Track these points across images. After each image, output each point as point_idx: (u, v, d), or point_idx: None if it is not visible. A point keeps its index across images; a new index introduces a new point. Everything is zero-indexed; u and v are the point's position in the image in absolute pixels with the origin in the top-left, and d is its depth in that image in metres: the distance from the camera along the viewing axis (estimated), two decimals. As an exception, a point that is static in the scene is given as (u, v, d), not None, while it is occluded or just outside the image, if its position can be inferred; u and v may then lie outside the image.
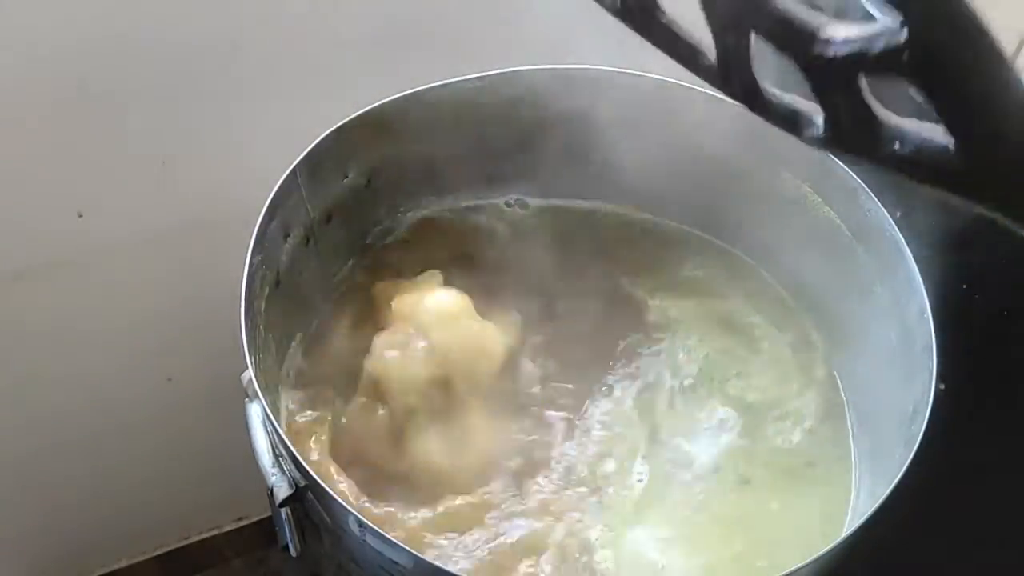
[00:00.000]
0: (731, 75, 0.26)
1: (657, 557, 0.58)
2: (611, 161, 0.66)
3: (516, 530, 0.58)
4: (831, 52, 0.22)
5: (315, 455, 0.58)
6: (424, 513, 0.57)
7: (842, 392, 0.66)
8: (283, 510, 0.53)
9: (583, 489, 0.60)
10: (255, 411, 0.54)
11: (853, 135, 0.24)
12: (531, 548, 0.57)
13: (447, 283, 0.64)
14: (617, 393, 0.65)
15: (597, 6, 0.29)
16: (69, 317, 0.78)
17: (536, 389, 0.64)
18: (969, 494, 0.66)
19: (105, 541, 0.99)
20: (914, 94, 0.21)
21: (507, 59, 0.64)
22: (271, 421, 0.50)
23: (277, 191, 0.58)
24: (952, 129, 0.22)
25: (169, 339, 0.83)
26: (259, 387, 0.51)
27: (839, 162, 0.61)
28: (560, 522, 0.59)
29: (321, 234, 0.65)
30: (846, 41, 0.21)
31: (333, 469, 0.58)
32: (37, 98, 0.64)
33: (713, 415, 0.65)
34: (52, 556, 0.97)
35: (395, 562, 0.47)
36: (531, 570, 0.56)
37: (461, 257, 0.69)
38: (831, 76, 0.23)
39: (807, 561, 0.47)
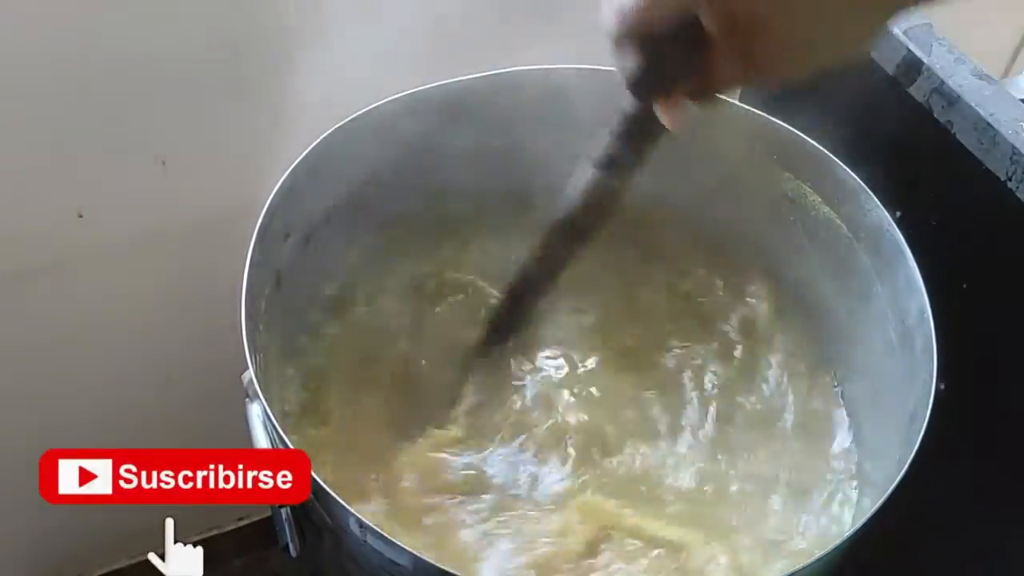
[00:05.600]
0: None
1: None
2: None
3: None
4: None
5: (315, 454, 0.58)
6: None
7: (842, 392, 0.66)
8: (283, 510, 0.53)
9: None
10: (255, 411, 0.54)
11: None
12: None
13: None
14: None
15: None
16: (69, 317, 0.78)
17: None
18: (969, 494, 0.66)
19: (105, 541, 0.99)
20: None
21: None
22: (271, 421, 0.50)
23: (277, 191, 0.58)
24: None
25: (169, 339, 0.83)
26: (259, 387, 0.51)
27: (839, 162, 0.61)
28: None
29: (321, 234, 0.65)
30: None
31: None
32: (37, 98, 0.64)
33: (705, 416, 0.65)
34: (52, 556, 0.97)
35: (395, 562, 0.47)
36: None
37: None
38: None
39: (808, 562, 0.47)
